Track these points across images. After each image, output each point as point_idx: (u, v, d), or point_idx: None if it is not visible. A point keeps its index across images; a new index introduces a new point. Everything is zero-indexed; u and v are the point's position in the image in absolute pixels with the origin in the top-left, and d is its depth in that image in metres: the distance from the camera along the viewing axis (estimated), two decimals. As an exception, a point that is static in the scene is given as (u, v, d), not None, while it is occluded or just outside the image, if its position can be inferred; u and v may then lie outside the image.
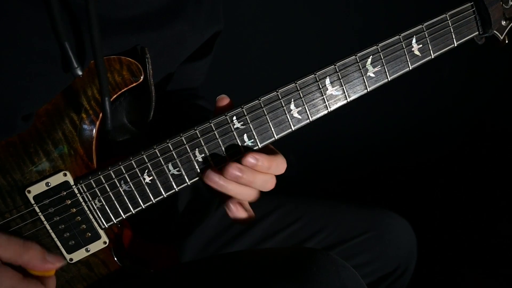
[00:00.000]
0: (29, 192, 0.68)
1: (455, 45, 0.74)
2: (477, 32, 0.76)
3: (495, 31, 0.76)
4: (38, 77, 0.66)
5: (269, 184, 0.71)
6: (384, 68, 0.71)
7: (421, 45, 0.72)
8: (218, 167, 0.70)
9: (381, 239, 0.99)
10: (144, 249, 0.77)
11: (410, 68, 0.73)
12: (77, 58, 0.66)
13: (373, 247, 0.99)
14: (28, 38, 0.64)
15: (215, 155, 0.70)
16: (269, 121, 0.70)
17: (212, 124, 0.69)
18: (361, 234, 0.99)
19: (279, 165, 0.70)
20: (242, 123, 0.70)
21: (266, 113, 0.70)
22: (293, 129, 0.71)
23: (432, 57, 0.73)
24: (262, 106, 0.69)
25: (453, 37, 0.73)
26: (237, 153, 0.70)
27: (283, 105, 0.70)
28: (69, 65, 0.66)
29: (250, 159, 0.67)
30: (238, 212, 0.70)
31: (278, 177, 0.72)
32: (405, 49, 0.72)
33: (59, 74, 0.67)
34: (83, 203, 0.70)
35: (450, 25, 0.73)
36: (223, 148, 0.70)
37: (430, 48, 0.73)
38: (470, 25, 0.75)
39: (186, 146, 0.69)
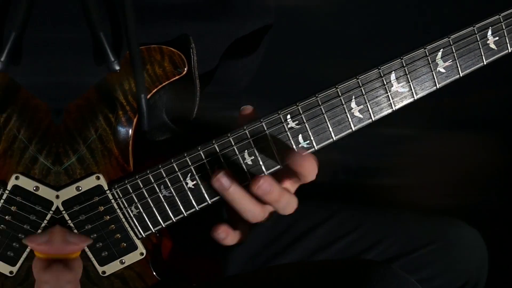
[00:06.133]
0: (57, 197, 0.66)
1: (536, 37, 0.72)
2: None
3: None
4: (69, 70, 0.64)
5: (291, 206, 0.67)
6: (456, 62, 0.68)
7: (497, 38, 0.69)
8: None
9: (448, 250, 0.97)
10: (185, 262, 0.74)
11: (485, 63, 0.70)
12: (113, 50, 0.64)
13: (440, 260, 0.96)
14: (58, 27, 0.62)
15: (265, 157, 0.68)
16: (327, 120, 0.67)
17: (263, 124, 0.67)
18: (426, 245, 0.96)
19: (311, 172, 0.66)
20: (297, 122, 0.67)
21: (324, 112, 0.67)
22: (353, 129, 0.68)
23: (509, 50, 0.70)
24: (320, 103, 0.67)
25: (534, 28, 0.71)
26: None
27: (343, 103, 0.67)
28: (104, 58, 0.64)
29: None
30: (227, 239, 0.67)
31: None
32: (479, 42, 0.69)
33: (92, 68, 0.65)
34: (118, 210, 0.67)
35: (531, 15, 0.70)
36: (275, 150, 0.68)
37: (507, 41, 0.70)
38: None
39: (234, 147, 0.67)
